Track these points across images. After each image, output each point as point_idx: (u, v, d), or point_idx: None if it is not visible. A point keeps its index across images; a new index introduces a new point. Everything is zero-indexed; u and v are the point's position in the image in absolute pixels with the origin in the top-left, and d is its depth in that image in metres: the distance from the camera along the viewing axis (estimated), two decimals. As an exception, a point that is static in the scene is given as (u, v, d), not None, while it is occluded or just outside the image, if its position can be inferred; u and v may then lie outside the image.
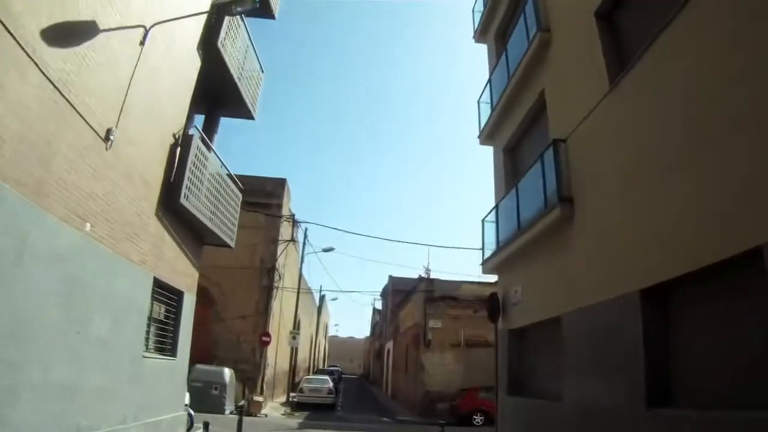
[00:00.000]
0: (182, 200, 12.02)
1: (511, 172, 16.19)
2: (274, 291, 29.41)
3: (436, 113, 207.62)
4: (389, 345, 50.64)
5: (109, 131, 8.60)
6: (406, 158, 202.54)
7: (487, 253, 16.12)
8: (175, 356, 13.59)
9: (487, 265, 16.10)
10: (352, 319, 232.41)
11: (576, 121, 11.06)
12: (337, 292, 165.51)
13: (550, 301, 11.82)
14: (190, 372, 23.10)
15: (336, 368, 71.90)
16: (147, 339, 11.91)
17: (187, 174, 12.26)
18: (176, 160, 12.17)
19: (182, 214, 12.69)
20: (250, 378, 27.44)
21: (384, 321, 60.62)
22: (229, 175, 16.15)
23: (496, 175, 17.18)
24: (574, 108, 11.25)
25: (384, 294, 61.40)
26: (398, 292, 48.19)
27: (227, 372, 24.31)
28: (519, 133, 15.54)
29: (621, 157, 9.19)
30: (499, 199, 15.80)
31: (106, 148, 8.64)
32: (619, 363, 8.53)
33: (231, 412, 24.28)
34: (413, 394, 30.88)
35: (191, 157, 12.46)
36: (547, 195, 11.78)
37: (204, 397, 22.65)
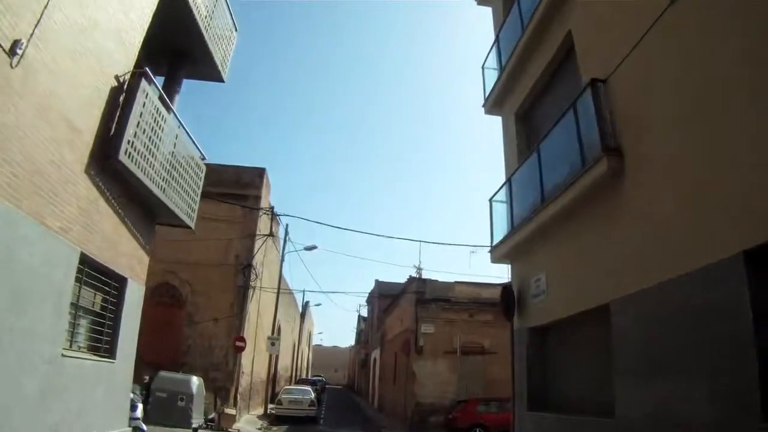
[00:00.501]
0: (122, 156, 9.62)
1: (524, 140, 13.74)
2: (251, 291, 26.67)
3: (429, 104, 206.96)
4: (375, 353, 47.91)
5: (16, 43, 6.84)
6: (396, 155, 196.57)
7: (497, 238, 13.54)
8: (114, 358, 10.93)
9: (496, 253, 13.51)
10: (337, 327, 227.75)
11: (617, 58, 8.58)
12: (320, 293, 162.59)
13: (590, 286, 9.24)
14: (152, 380, 20.68)
15: (320, 378, 69.69)
16: (71, 333, 9.29)
17: (133, 127, 10.02)
18: (119, 109, 9.93)
19: (125, 178, 10.16)
20: (223, 387, 24.71)
21: (370, 328, 57.90)
22: (193, 144, 13.56)
23: (506, 147, 14.67)
24: (615, 43, 8.79)
25: (370, 300, 58.76)
26: (385, 297, 45.63)
27: (195, 381, 21.56)
28: (535, 93, 13.10)
29: (690, 89, 6.81)
30: (512, 172, 13.28)
31: (11, 65, 6.84)
32: (710, 359, 6.02)
33: (199, 427, 21.59)
34: (403, 406, 28.21)
35: (138, 107, 10.29)
36: (584, 150, 9.24)
37: (168, 410, 20.16)
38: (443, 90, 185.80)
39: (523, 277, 12.53)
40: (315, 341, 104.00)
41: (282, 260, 32.86)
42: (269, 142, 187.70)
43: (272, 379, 39.98)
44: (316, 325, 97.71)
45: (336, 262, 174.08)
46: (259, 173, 28.46)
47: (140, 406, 13.71)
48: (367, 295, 57.72)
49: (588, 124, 9.20)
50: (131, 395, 13.77)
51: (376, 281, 54.78)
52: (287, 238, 32.59)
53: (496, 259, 13.80)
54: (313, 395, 29.68)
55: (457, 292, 28.14)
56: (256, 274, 26.73)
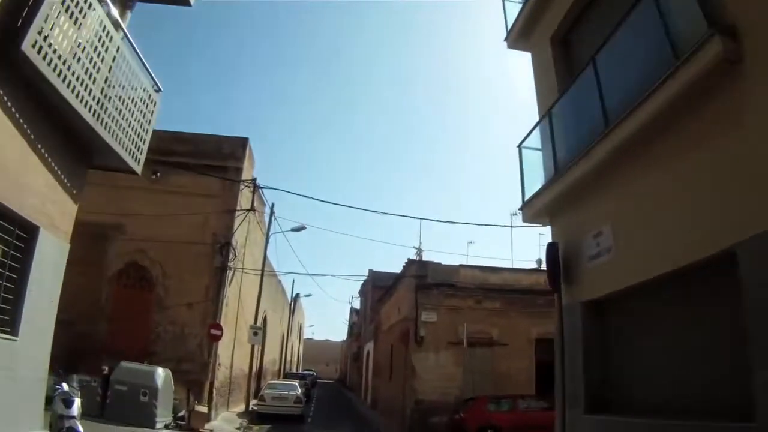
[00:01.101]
0: (25, 47, 6.61)
1: (565, 65, 10.83)
2: (230, 273, 23.61)
3: (432, 71, 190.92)
4: (369, 346, 44.85)
5: None
6: (396, 130, 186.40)
7: (530, 192, 10.53)
8: (15, 334, 7.83)
9: (531, 209, 10.54)
10: (328, 321, 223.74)
11: None
12: (309, 281, 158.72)
13: (695, 228, 6.24)
14: (111, 371, 17.28)
15: (310, 372, 67.02)
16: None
17: (48, 13, 6.84)
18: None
19: (39, 89, 7.12)
20: (197, 381, 21.61)
21: (363, 320, 54.88)
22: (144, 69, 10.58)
23: (539, 80, 11.76)
24: None
25: (363, 291, 55.76)
26: (379, 288, 42.63)
27: (160, 373, 18.50)
28: (576, 10, 10.22)
29: None
30: (550, 106, 10.24)
31: None
32: None
33: (166, 426, 18.59)
34: (400, 405, 25.18)
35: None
36: (676, 43, 6.33)
37: (129, 405, 17.50)
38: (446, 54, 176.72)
39: (571, 236, 9.52)
40: (306, 335, 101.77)
41: (267, 242, 29.72)
42: (259, 117, 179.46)
43: (257, 373, 36.95)
44: (307, 318, 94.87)
45: (328, 250, 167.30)
46: (242, 143, 25.49)
47: (77, 401, 10.59)
48: (359, 284, 54.82)
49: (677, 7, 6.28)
50: (65, 388, 10.71)
51: (370, 270, 51.66)
52: (273, 218, 29.54)
53: (530, 217, 10.82)
54: (299, 391, 26.62)
55: (462, 276, 25.14)
56: (235, 254, 23.66)
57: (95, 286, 22.26)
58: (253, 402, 26.44)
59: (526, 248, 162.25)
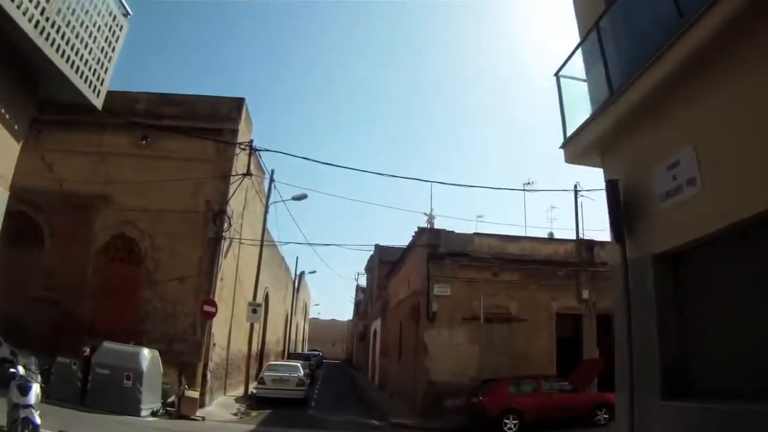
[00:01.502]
0: None
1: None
2: (224, 243, 21.58)
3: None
4: (376, 324, 42.87)
5: None
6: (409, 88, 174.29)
7: (572, 127, 8.36)
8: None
9: (576, 145, 8.43)
10: (334, 299, 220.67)
11: None
12: (313, 256, 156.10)
13: None
14: (93, 352, 16.53)
15: (316, 353, 65.36)
16: None
17: None
18: None
19: None
20: (189, 363, 19.72)
21: (369, 298, 52.90)
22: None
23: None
24: None
25: (369, 267, 53.82)
26: (386, 263, 40.70)
27: (146, 354, 16.64)
28: None
29: None
30: (594, 21, 8.00)
31: None
32: None
33: (153, 413, 16.77)
34: (411, 386, 23.15)
35: None
36: None
37: (111, 391, 15.98)
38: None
39: (634, 172, 7.36)
40: (312, 314, 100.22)
41: (266, 211, 27.61)
42: (259, 81, 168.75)
43: (259, 354, 35.09)
44: (313, 297, 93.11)
45: (332, 222, 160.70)
46: (237, 104, 23.34)
47: (35, 388, 8.53)
48: (365, 260, 52.78)
49: None
50: (21, 372, 8.70)
51: (376, 246, 49.59)
52: (272, 185, 27.40)
53: (575, 156, 8.70)
54: (302, 373, 24.65)
55: (477, 245, 22.99)
56: (230, 223, 21.59)
57: (80, 261, 20.81)
58: (252, 385, 24.44)
59: (538, 221, 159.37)
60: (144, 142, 21.97)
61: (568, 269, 23.44)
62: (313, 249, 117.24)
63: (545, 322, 22.86)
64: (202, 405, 19.52)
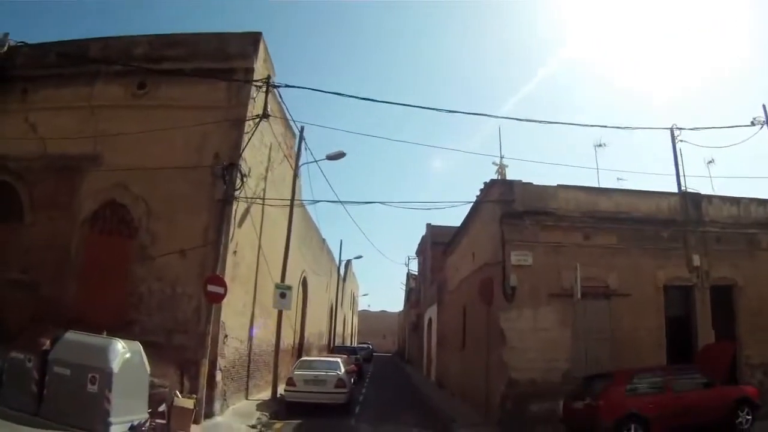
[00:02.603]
0: None
1: None
2: (236, 206, 16.93)
3: None
4: (431, 312, 37.57)
5: None
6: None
7: None
8: None
9: None
10: (384, 289, 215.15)
11: None
12: (357, 239, 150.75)
13: None
14: (54, 345, 12.05)
15: (366, 346, 61.35)
16: None
17: None
18: None
19: None
20: (193, 361, 15.15)
21: (422, 283, 47.70)
22: None
23: None
24: None
25: (421, 250, 48.75)
26: (439, 245, 35.72)
27: (117, 349, 11.79)
28: None
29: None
30: None
31: None
32: None
33: (133, 428, 11.97)
34: (481, 385, 17.74)
35: None
36: None
37: (71, 398, 11.36)
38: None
39: None
40: (362, 306, 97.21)
41: (296, 171, 22.82)
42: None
43: (297, 348, 30.36)
44: (361, 288, 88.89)
45: (375, 190, 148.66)
46: (253, 40, 18.57)
47: None
48: (416, 246, 47.60)
49: None
50: None
51: (428, 225, 44.76)
52: (303, 144, 22.57)
53: None
54: (342, 370, 19.61)
55: (562, 201, 17.60)
56: (243, 179, 16.83)
57: (64, 235, 17.07)
58: (282, 387, 19.55)
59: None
60: (141, 92, 17.96)
61: (673, 229, 18.08)
62: (358, 228, 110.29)
63: (652, 296, 17.49)
64: (209, 415, 15.16)
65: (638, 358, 15.87)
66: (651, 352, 16.54)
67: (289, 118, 22.78)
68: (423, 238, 46.66)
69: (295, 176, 22.90)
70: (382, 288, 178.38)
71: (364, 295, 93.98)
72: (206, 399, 15.11)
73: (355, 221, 35.34)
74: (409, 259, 56.18)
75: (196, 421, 14.19)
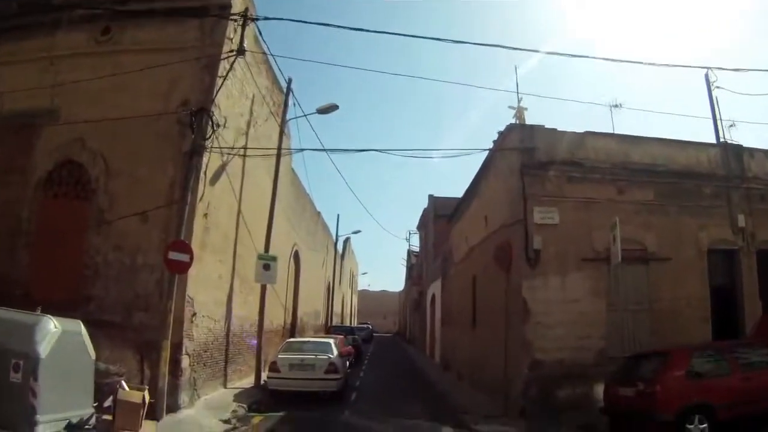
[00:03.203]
0: None
1: None
2: (208, 159, 14.38)
3: None
4: (434, 288, 34.83)
5: None
6: None
7: None
8: None
9: None
10: (384, 268, 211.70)
11: None
12: (355, 213, 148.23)
13: None
14: None
15: (365, 326, 59.19)
16: None
17: None
18: None
19: None
20: (155, 343, 12.55)
21: (424, 258, 44.97)
22: None
23: None
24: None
25: (422, 224, 46.06)
26: (442, 218, 33.05)
27: (47, 328, 8.89)
28: None
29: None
30: None
31: None
32: None
33: (70, 428, 9.17)
34: (498, 367, 14.89)
35: None
36: None
37: None
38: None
39: None
40: (362, 286, 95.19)
41: (283, 124, 20.16)
42: None
43: (290, 329, 27.75)
44: (360, 266, 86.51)
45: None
46: (230, -29, 15.84)
47: None
48: (417, 220, 44.87)
49: None
50: None
51: (431, 197, 42.05)
52: (290, 96, 19.97)
53: None
54: (335, 353, 16.82)
55: (592, 151, 14.82)
56: (213, 126, 14.15)
57: (15, 202, 14.78)
58: (266, 374, 16.84)
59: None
60: (105, 37, 15.64)
61: (715, 184, 15.46)
62: (356, 197, 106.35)
63: (694, 261, 14.86)
64: (173, 408, 12.59)
65: (680, 333, 13.38)
66: (694, 327, 14.00)
67: (275, 69, 20.16)
68: (425, 210, 43.93)
69: (282, 131, 20.22)
70: (383, 268, 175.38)
71: (364, 273, 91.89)
72: (170, 389, 12.59)
73: (350, 186, 32.67)
74: (410, 233, 53.37)
75: (155, 416, 11.70)
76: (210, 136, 14.15)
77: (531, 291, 13.54)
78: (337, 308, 54.46)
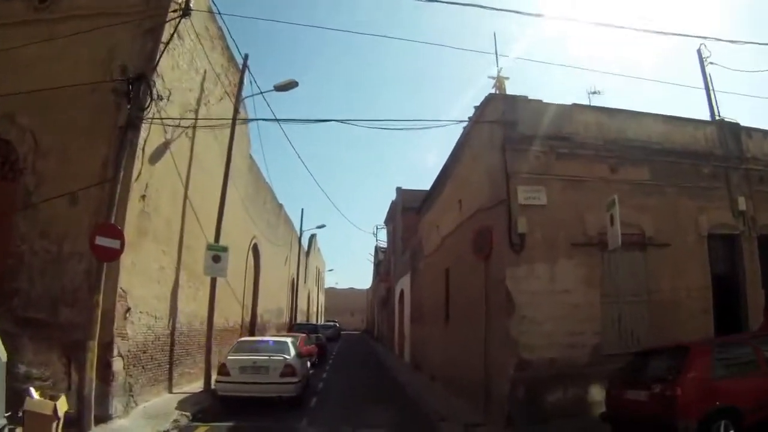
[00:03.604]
0: None
1: None
2: (145, 132, 12.76)
3: None
4: (403, 283, 33.01)
5: None
6: None
7: None
8: None
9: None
10: (351, 266, 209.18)
11: None
12: (320, 209, 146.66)
13: None
14: None
15: (332, 324, 57.66)
16: None
17: None
18: None
19: None
20: (83, 344, 10.74)
21: (392, 253, 43.22)
22: None
23: None
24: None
25: (390, 218, 44.36)
26: (411, 211, 31.25)
27: None
28: None
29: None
30: None
31: None
32: None
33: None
34: (478, 370, 13.14)
35: None
36: None
37: None
38: None
39: None
40: (329, 284, 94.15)
41: (236, 108, 18.34)
42: None
43: (250, 327, 25.91)
44: (327, 264, 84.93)
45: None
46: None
47: None
48: (385, 214, 43.15)
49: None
50: None
51: (398, 189, 40.39)
52: (246, 74, 18.37)
53: None
54: (292, 354, 14.92)
55: (581, 126, 13.19)
56: (154, 96, 12.32)
57: None
58: (216, 378, 14.83)
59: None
60: (43, 4, 13.96)
61: (713, 165, 14.09)
62: (315, 180, 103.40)
63: (694, 247, 13.44)
64: (103, 418, 10.87)
65: (680, 326, 12.03)
66: (695, 319, 12.59)
67: (233, 48, 18.60)
68: (393, 203, 42.15)
69: (236, 109, 18.34)
70: (351, 265, 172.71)
71: (330, 270, 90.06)
72: (99, 396, 10.92)
73: (309, 170, 30.73)
74: (377, 228, 51.51)
75: (81, 428, 9.96)
76: (148, 107, 12.38)
77: (515, 281, 11.79)
78: (302, 306, 52.55)
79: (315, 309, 68.50)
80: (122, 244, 10.99)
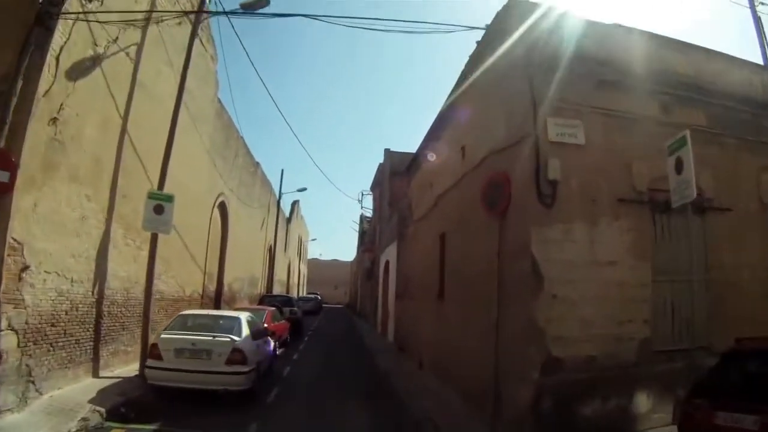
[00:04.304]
0: None
1: None
2: (61, 36, 9.77)
3: None
4: (389, 254, 29.77)
5: None
6: None
7: None
8: None
9: None
10: (335, 237, 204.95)
11: None
12: (306, 175, 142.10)
13: None
14: None
15: (313, 296, 55.14)
16: None
17: None
18: None
19: None
20: None
21: (379, 221, 39.99)
22: None
23: None
24: None
25: (377, 183, 41.18)
26: (400, 176, 28.38)
27: None
28: None
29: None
30: None
31: None
32: None
33: None
34: (485, 364, 9.94)
35: None
36: None
37: None
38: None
39: None
40: (313, 254, 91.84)
41: (195, 31, 15.05)
42: None
43: (215, 298, 22.83)
44: (311, 233, 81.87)
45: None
46: None
47: None
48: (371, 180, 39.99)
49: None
50: None
51: (387, 151, 37.21)
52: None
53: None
54: (245, 333, 11.66)
55: (625, 52, 10.01)
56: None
57: None
58: (149, 362, 11.57)
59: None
60: None
61: (775, 117, 10.99)
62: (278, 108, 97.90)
63: (756, 213, 10.57)
64: None
65: (744, 316, 9.12)
66: (759, 307, 9.57)
67: None
68: (380, 166, 38.92)
69: (194, 32, 15.02)
70: (335, 236, 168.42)
71: (313, 240, 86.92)
72: None
73: (293, 131, 27.44)
74: (362, 194, 48.24)
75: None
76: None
77: (544, 246, 8.57)
78: (282, 276, 49.42)
79: (296, 280, 65.41)
80: (12, 177, 8.02)
